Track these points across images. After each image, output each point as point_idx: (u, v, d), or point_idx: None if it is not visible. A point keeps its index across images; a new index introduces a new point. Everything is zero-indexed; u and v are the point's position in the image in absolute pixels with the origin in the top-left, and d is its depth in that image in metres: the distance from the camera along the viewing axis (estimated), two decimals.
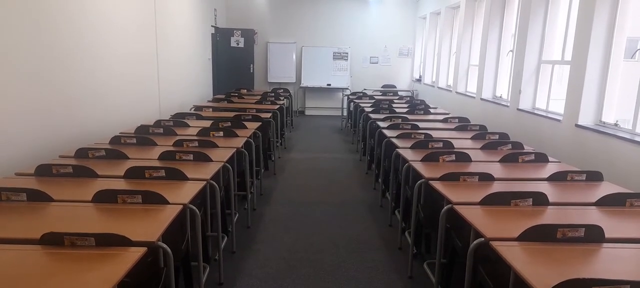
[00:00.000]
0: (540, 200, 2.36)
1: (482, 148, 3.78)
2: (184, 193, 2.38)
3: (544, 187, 2.69)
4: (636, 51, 7.43)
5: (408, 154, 3.44)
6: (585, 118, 4.40)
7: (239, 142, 3.73)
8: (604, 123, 4.30)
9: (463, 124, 4.87)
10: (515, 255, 1.75)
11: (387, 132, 4.31)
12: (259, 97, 7.23)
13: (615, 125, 4.17)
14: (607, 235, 1.92)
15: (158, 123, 4.24)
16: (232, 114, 5.13)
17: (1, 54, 2.81)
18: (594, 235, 1.91)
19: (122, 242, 1.71)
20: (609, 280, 1.49)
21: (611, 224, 2.12)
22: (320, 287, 2.94)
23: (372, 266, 3.24)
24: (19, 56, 2.98)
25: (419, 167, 3.08)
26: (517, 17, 6.24)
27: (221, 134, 3.98)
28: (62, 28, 3.49)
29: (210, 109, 5.87)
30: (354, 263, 3.28)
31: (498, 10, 6.67)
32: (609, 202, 2.39)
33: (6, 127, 2.87)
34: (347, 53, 10.86)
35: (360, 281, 3.03)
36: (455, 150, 3.46)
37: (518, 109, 5.72)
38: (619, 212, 2.31)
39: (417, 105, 6.65)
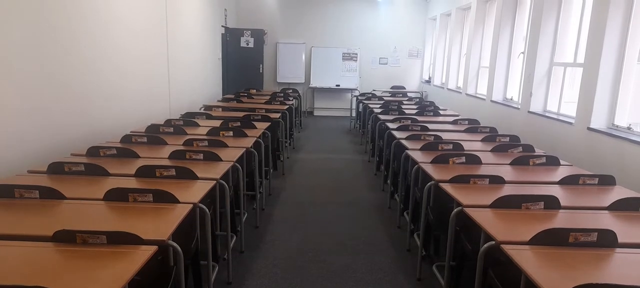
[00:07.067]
0: (551, 203, 2.33)
1: (492, 150, 3.75)
2: (193, 193, 2.39)
3: (556, 191, 2.66)
4: None
5: (417, 156, 3.43)
6: (598, 121, 4.34)
7: (249, 142, 3.74)
8: (616, 126, 4.25)
9: (473, 126, 4.84)
10: (527, 259, 1.73)
11: (397, 133, 4.30)
12: (268, 97, 7.25)
13: (628, 129, 4.11)
14: (620, 240, 1.89)
15: (168, 122, 4.27)
16: (241, 114, 5.15)
17: (15, 54, 2.84)
18: (607, 240, 1.89)
19: (133, 240, 1.73)
20: (623, 286, 1.47)
21: (624, 229, 2.09)
22: None
23: (381, 268, 3.24)
24: (32, 56, 3.01)
25: (429, 168, 3.06)
26: (528, 19, 6.19)
27: (231, 133, 3.99)
28: (74, 29, 3.53)
29: (220, 109, 5.89)
30: (362, 264, 3.28)
31: (509, 12, 6.62)
32: (621, 207, 2.36)
33: (19, 126, 2.91)
34: (356, 54, 10.84)
35: (369, 283, 3.02)
36: (465, 152, 3.44)
37: (529, 112, 5.67)
38: (632, 216, 2.28)
39: (426, 107, 6.62)
